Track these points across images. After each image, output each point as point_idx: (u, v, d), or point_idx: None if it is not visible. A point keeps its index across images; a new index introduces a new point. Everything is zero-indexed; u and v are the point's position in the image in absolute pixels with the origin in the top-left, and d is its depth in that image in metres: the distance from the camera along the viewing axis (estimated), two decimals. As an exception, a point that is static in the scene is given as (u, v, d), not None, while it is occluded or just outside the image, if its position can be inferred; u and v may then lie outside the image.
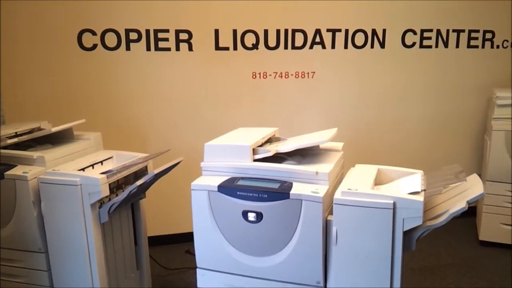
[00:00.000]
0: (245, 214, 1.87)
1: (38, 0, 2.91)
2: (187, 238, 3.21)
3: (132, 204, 2.47)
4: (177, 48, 3.19)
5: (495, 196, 3.27)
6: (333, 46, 3.44)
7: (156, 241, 3.18)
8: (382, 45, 3.51)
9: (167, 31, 3.15)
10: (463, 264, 3.16)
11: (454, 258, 3.25)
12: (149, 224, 2.63)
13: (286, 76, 3.42)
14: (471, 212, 2.05)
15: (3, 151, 2.28)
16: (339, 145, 2.26)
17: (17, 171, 2.16)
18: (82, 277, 2.15)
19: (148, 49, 3.14)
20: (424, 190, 1.77)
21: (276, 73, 3.39)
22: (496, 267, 3.11)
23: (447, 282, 2.94)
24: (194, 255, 2.05)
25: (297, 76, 3.43)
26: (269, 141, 2.28)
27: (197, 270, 2.04)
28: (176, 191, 3.22)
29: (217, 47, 3.25)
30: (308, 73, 3.45)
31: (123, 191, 2.23)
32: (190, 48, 3.21)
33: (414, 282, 2.92)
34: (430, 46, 3.60)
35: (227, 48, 3.27)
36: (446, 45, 3.62)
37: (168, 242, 3.41)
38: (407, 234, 1.73)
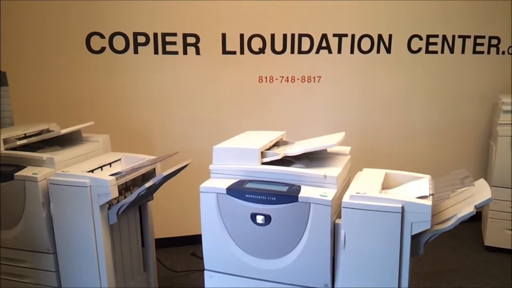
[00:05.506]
0: (253, 216, 1.88)
1: (47, 2, 2.94)
2: (192, 240, 3.23)
3: (140, 206, 2.49)
4: (185, 52, 3.21)
5: (500, 202, 3.27)
6: (339, 51, 3.46)
7: (161, 243, 3.18)
8: (388, 50, 3.53)
9: (174, 34, 3.17)
10: (468, 269, 3.16)
11: (460, 263, 3.25)
12: (155, 226, 2.63)
13: (292, 80, 3.43)
14: (476, 217, 2.06)
15: (12, 152, 2.30)
16: (347, 149, 2.27)
17: (27, 172, 2.17)
18: (90, 278, 2.16)
19: (156, 52, 3.17)
20: (432, 194, 1.78)
21: (283, 77, 3.41)
22: (502, 272, 3.11)
23: (452, 287, 2.94)
24: (199, 257, 2.05)
25: (303, 80, 3.45)
26: (277, 144, 2.29)
27: (205, 272, 2.05)
28: (182, 194, 3.23)
29: (224, 51, 3.28)
30: (314, 78, 3.46)
31: (131, 193, 2.25)
32: (198, 52, 3.23)
33: (420, 287, 2.92)
34: (435, 52, 3.61)
35: (234, 52, 3.29)
36: (451, 50, 3.63)
37: (173, 245, 3.41)
38: (415, 238, 1.73)
